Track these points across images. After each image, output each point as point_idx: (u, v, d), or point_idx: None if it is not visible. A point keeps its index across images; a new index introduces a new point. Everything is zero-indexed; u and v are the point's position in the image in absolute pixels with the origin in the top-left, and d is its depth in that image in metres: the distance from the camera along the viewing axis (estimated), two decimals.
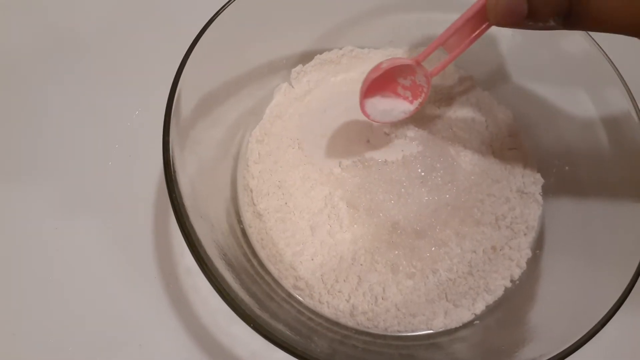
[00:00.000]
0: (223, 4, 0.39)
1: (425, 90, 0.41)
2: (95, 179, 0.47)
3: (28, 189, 0.46)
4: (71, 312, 0.42)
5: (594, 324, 0.31)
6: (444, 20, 0.48)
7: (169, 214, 0.45)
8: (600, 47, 0.42)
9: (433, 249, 0.40)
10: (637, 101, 0.39)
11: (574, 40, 0.43)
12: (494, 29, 0.47)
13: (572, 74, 0.44)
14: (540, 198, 0.44)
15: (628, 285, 0.32)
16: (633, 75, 0.41)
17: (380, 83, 0.41)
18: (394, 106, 0.42)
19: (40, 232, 0.44)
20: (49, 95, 0.51)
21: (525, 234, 0.42)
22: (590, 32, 0.42)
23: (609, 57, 0.41)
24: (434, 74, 0.41)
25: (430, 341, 0.38)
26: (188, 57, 0.37)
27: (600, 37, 0.42)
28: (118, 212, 0.45)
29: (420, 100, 0.42)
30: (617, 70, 0.40)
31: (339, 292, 0.39)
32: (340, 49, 0.50)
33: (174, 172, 0.33)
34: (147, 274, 0.43)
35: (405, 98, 0.42)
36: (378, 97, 0.41)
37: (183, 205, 0.32)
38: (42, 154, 0.48)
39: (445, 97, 0.48)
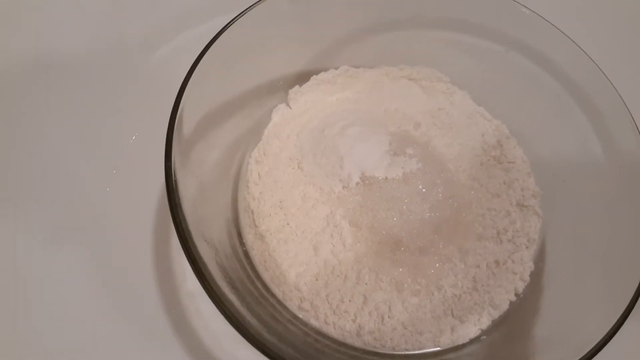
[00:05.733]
0: (219, 30, 0.40)
1: None
2: (94, 204, 0.46)
3: (25, 216, 0.45)
4: (71, 338, 0.41)
5: (602, 336, 0.31)
6: (437, 37, 0.50)
7: (170, 238, 0.44)
8: (592, 58, 0.42)
9: (437, 265, 0.40)
10: (632, 113, 0.40)
11: (565, 52, 0.44)
12: (487, 46, 0.48)
13: (565, 86, 0.45)
14: (540, 210, 0.44)
15: (634, 295, 0.32)
16: (626, 85, 0.42)
17: None
18: None
19: (37, 259, 0.43)
20: (43, 119, 0.50)
21: (527, 247, 0.42)
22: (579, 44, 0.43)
23: (600, 68, 0.42)
24: None
25: (438, 358, 0.38)
26: (188, 81, 0.37)
27: (593, 48, 0.43)
28: (118, 237, 0.45)
29: None
30: (610, 81, 0.41)
31: (344, 312, 0.38)
32: (336, 68, 0.50)
33: (178, 196, 0.33)
34: (148, 299, 0.42)
35: None
36: None
37: (188, 230, 0.32)
38: (38, 181, 0.47)
39: (442, 114, 0.49)
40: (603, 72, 0.42)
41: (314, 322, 0.38)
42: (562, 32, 0.43)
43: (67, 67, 0.53)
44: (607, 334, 0.31)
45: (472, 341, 0.39)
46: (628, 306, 0.32)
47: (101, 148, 0.49)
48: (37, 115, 0.51)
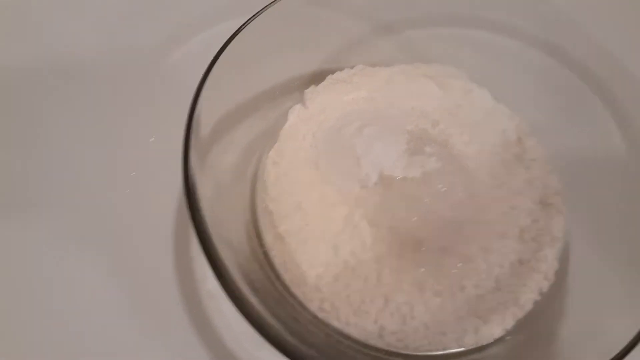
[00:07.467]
0: (233, 32, 0.40)
1: None
2: (114, 207, 0.46)
3: (45, 220, 0.46)
4: (92, 340, 0.41)
5: (629, 339, 0.31)
6: (453, 35, 0.49)
7: (189, 238, 0.45)
8: (613, 53, 0.41)
9: (459, 265, 0.40)
10: None
11: (585, 47, 0.43)
12: (504, 42, 0.48)
13: (586, 81, 0.44)
14: (563, 208, 0.43)
15: None
16: None
17: None
18: None
19: (56, 264, 0.44)
20: (59, 122, 0.50)
21: (551, 246, 0.41)
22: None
23: (623, 63, 0.41)
24: None
25: (462, 359, 0.38)
26: (203, 84, 0.37)
27: (614, 43, 0.42)
28: (138, 239, 0.45)
29: None
30: (634, 75, 0.40)
31: (365, 313, 0.38)
32: (352, 67, 0.50)
33: (196, 199, 0.33)
34: (169, 300, 0.42)
35: None
36: None
37: (208, 232, 0.32)
38: (55, 185, 0.47)
39: (461, 112, 0.48)
40: (626, 67, 0.41)
41: (335, 323, 0.38)
42: (582, 26, 0.43)
43: (84, 73, 0.54)
44: (634, 337, 0.30)
45: (496, 342, 0.38)
46: None
47: (119, 152, 0.49)
48: (54, 122, 0.51)
